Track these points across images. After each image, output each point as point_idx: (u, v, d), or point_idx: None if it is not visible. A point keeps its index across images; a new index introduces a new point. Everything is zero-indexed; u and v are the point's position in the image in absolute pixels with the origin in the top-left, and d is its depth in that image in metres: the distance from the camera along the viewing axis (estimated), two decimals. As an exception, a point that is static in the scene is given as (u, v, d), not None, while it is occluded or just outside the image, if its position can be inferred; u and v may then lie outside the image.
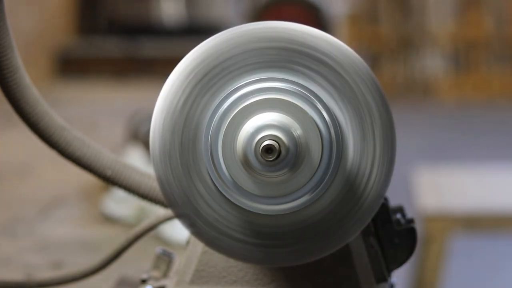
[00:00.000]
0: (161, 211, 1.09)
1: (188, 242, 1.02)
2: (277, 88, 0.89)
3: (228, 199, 0.90)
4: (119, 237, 1.18)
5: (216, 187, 0.90)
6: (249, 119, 0.87)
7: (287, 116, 0.87)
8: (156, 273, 1.08)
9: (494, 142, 6.18)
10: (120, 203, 1.74)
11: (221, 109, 0.89)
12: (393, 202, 1.03)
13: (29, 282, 1.17)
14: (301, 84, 0.89)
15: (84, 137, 1.07)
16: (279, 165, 0.86)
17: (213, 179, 0.90)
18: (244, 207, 0.90)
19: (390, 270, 1.01)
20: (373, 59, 6.73)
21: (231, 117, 0.88)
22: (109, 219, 1.73)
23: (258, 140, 0.86)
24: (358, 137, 0.90)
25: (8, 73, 1.02)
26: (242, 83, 0.90)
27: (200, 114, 0.90)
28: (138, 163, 1.83)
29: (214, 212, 0.91)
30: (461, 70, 7.06)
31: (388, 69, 6.88)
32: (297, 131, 0.87)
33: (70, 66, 4.67)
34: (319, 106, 0.89)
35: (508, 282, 3.86)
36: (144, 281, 1.07)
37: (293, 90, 0.89)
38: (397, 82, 6.90)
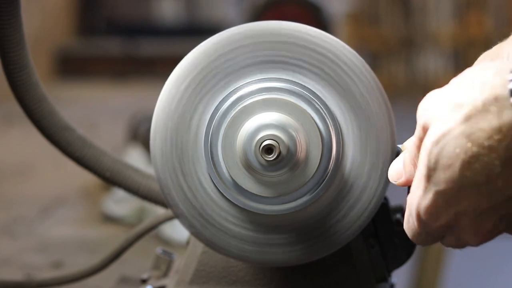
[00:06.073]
0: (161, 211, 1.09)
1: (188, 242, 1.02)
2: (277, 88, 0.89)
3: (228, 199, 0.90)
4: (119, 237, 1.18)
5: (216, 187, 0.90)
6: (249, 119, 0.87)
7: (287, 116, 0.87)
8: (156, 273, 1.08)
9: (494, 142, 6.17)
10: (120, 203, 1.74)
11: (221, 109, 0.89)
12: (393, 202, 1.03)
13: (29, 282, 1.17)
14: (301, 84, 0.89)
15: (87, 138, 1.07)
16: (279, 164, 0.86)
17: (213, 179, 0.90)
18: (244, 207, 0.90)
19: (390, 270, 1.01)
20: (373, 59, 6.73)
21: (231, 117, 0.88)
22: (109, 219, 1.73)
23: (258, 139, 0.86)
24: (358, 137, 0.90)
25: (15, 69, 1.02)
26: (242, 83, 0.90)
27: (200, 114, 0.90)
28: (138, 163, 1.83)
29: (214, 212, 0.91)
30: (461, 70, 7.02)
31: (388, 69, 6.87)
32: (297, 130, 0.87)
33: (70, 66, 4.67)
34: (319, 106, 0.89)
35: (508, 282, 3.86)
36: (144, 281, 1.07)
37: (293, 90, 0.89)
38: (397, 82, 6.90)
